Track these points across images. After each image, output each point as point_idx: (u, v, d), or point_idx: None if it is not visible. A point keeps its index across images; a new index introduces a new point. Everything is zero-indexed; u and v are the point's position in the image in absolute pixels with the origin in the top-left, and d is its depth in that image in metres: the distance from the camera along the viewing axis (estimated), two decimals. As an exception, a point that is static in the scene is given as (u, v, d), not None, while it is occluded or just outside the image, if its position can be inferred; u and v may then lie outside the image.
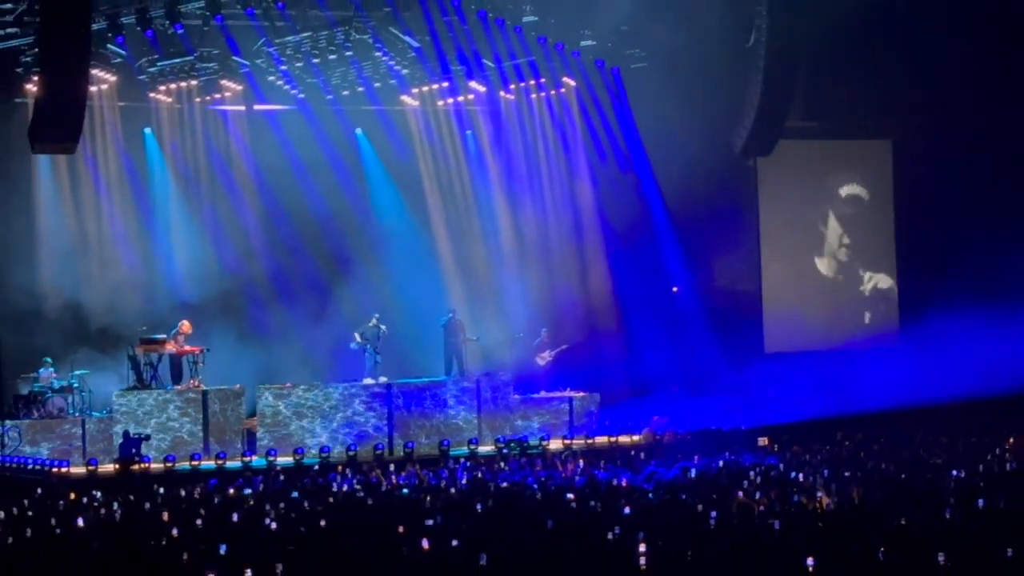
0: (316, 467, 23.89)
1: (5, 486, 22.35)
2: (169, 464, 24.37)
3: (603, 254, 31.72)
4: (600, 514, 16.48)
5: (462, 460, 24.31)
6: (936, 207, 31.57)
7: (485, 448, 26.19)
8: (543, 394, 28.56)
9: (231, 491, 20.51)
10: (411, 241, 31.01)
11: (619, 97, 30.67)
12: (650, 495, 18.24)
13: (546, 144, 31.90)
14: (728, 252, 32.08)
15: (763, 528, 14.86)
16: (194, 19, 27.07)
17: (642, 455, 24.42)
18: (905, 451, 23.29)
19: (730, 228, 31.91)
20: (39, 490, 21.64)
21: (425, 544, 14.17)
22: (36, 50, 25.70)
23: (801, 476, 19.68)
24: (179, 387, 26.30)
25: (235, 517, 16.99)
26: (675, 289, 31.82)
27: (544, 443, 26.21)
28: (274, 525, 16.37)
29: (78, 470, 24.27)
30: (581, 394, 28.32)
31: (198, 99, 29.42)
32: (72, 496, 20.64)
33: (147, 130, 29.94)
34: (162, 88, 28.60)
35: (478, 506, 17.34)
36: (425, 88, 30.52)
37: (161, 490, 21.09)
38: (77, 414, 26.16)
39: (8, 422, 25.44)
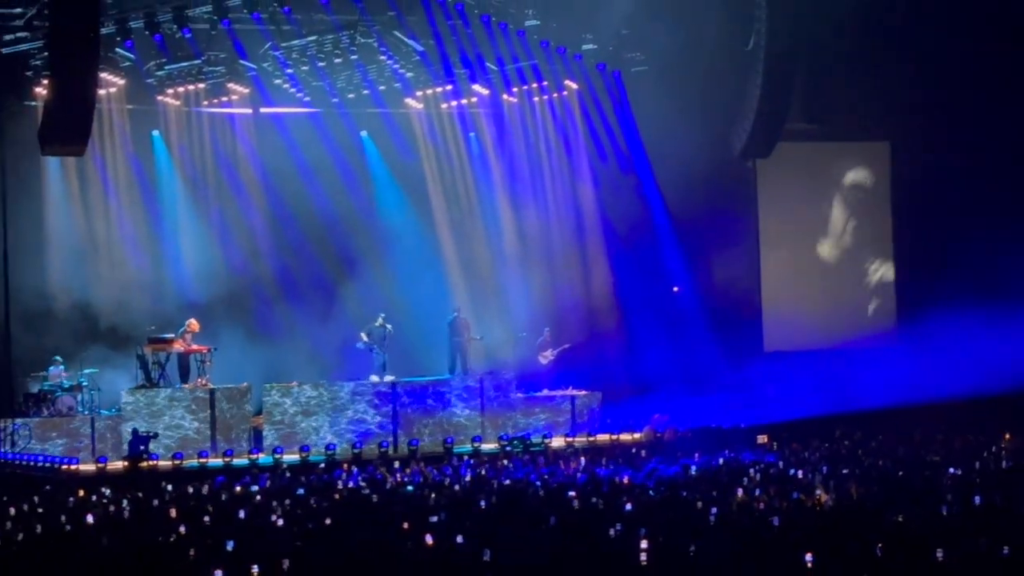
0: (322, 464, 23.88)
1: (15, 483, 22.34)
2: (177, 462, 24.37)
3: (604, 254, 31.71)
4: (602, 511, 16.48)
5: (466, 457, 24.32)
6: (934, 208, 31.55)
7: (488, 446, 26.18)
8: (545, 392, 28.54)
9: (238, 488, 20.51)
10: (415, 241, 31.01)
11: (620, 100, 30.66)
12: (651, 492, 18.23)
13: (548, 146, 31.90)
14: (728, 252, 32.05)
15: (762, 525, 14.85)
16: (201, 23, 27.07)
17: (643, 453, 24.41)
18: (903, 449, 23.27)
19: (730, 229, 31.89)
20: (48, 487, 21.65)
21: (429, 540, 14.18)
22: (46, 54, 25.72)
23: (800, 473, 19.67)
24: (187, 386, 26.31)
25: (242, 514, 16.99)
26: (675, 289, 31.80)
27: (546, 441, 26.19)
28: (280, 522, 16.37)
29: (87, 467, 24.26)
30: (583, 392, 28.30)
31: (205, 102, 29.42)
32: (81, 493, 20.63)
33: (155, 133, 29.94)
34: (170, 91, 28.61)
35: (481, 503, 17.35)
36: (429, 91, 30.52)
37: (169, 487, 21.10)
38: (86, 412, 26.15)
39: (18, 420, 25.44)
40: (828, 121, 32.13)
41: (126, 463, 24.35)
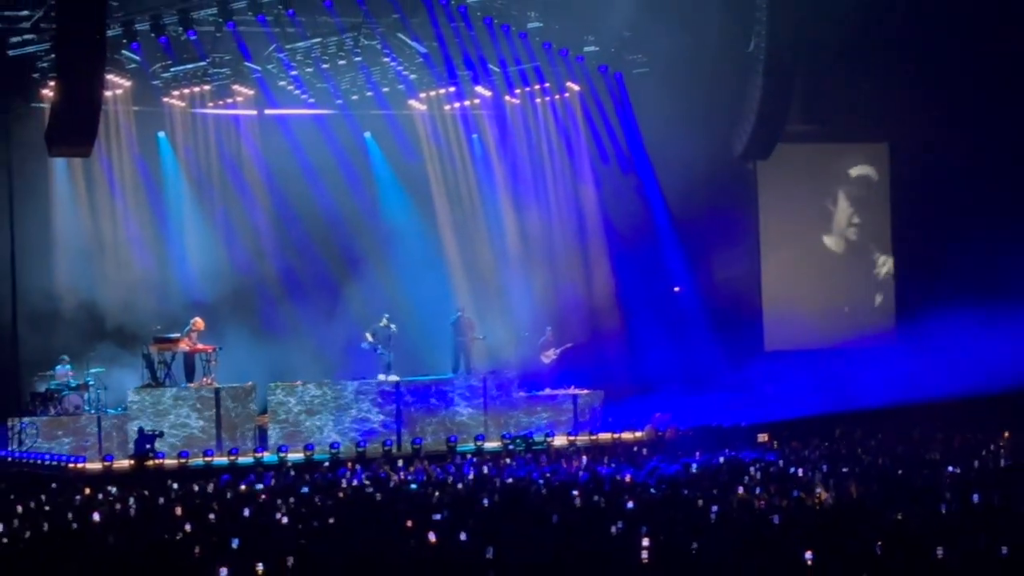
0: (326, 463, 23.88)
1: (23, 481, 22.34)
2: (183, 460, 24.38)
3: (606, 255, 31.71)
4: (604, 509, 16.47)
5: (469, 456, 24.33)
6: (933, 208, 31.54)
7: (491, 444, 26.17)
8: (548, 391, 28.52)
9: (243, 487, 20.51)
10: (418, 242, 31.01)
11: (622, 101, 30.66)
12: (652, 490, 18.22)
13: (550, 147, 31.90)
14: (728, 253, 32.04)
15: (763, 523, 14.84)
16: (207, 25, 27.08)
17: (644, 451, 24.39)
18: (902, 447, 23.25)
19: (731, 229, 31.89)
20: (55, 485, 21.65)
21: (432, 538, 14.17)
22: (52, 56, 25.74)
23: (800, 472, 19.66)
24: (192, 385, 26.31)
25: (247, 512, 16.99)
26: (677, 289, 31.80)
27: (549, 439, 26.18)
28: (285, 520, 16.37)
29: (94, 466, 24.28)
30: (585, 391, 28.28)
31: (211, 104, 29.44)
32: (88, 491, 20.64)
33: (161, 134, 29.95)
34: (175, 93, 28.61)
35: (484, 501, 17.33)
36: (432, 93, 30.53)
37: (175, 485, 21.10)
38: (93, 411, 26.16)
39: (26, 419, 25.45)
40: (828, 122, 32.16)
41: (132, 462, 24.36)
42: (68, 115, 23.63)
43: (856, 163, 32.76)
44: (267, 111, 30.01)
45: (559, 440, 26.52)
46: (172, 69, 27.65)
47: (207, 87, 28.68)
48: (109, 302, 28.46)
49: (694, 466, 21.05)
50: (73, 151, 25.57)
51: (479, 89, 30.18)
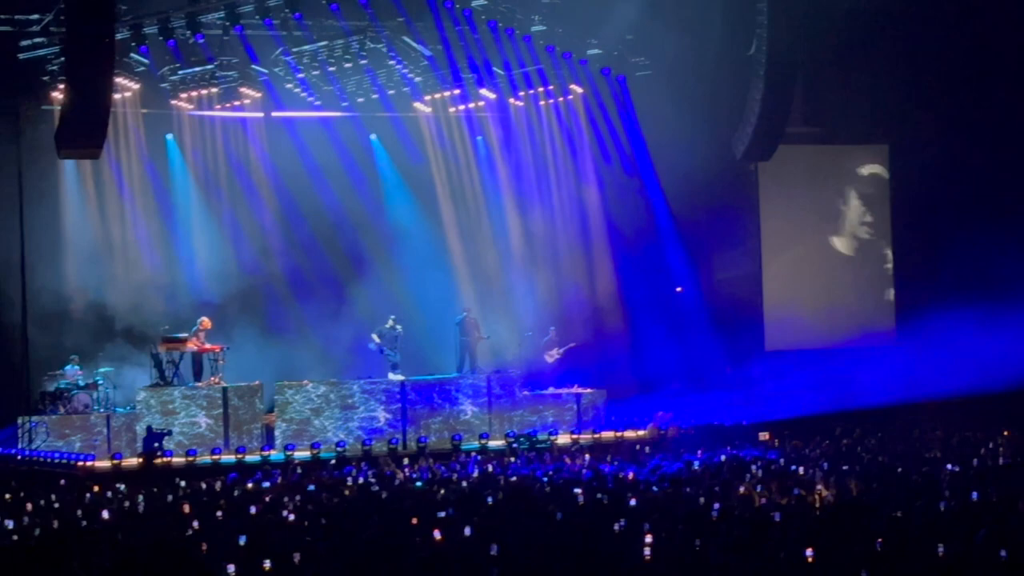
0: (332, 461, 23.87)
1: (33, 479, 22.36)
2: (190, 458, 24.38)
3: (609, 255, 31.70)
4: (607, 506, 16.47)
5: (473, 454, 24.32)
6: (932, 209, 31.52)
7: (495, 442, 26.17)
8: (551, 390, 28.52)
9: (250, 484, 20.51)
10: (424, 242, 31.02)
11: (624, 104, 30.63)
12: (654, 488, 18.21)
13: (554, 149, 31.89)
14: (730, 254, 32.03)
15: (764, 520, 14.84)
16: (214, 29, 27.08)
17: (647, 449, 24.39)
18: (901, 446, 23.24)
19: (732, 230, 31.88)
20: (64, 483, 21.67)
21: (437, 535, 14.17)
22: (62, 59, 25.74)
23: (801, 470, 19.65)
24: (200, 384, 26.33)
25: (254, 509, 16.99)
26: (679, 289, 31.77)
27: (552, 438, 26.17)
28: (292, 517, 16.37)
29: (103, 464, 24.29)
30: (588, 390, 28.27)
31: (218, 106, 29.41)
32: (97, 489, 20.65)
33: (169, 136, 29.97)
34: (183, 96, 28.61)
35: (489, 498, 17.33)
36: (437, 95, 30.53)
37: (183, 483, 21.11)
38: (102, 410, 26.18)
39: (36, 417, 25.47)
40: (828, 124, 32.13)
41: (141, 460, 24.37)
42: (77, 117, 23.64)
43: (865, 162, 32.72)
44: (274, 113, 30.02)
45: (563, 438, 26.52)
46: (180, 72, 27.65)
47: (215, 90, 28.66)
48: (118, 302, 28.47)
49: (696, 464, 21.05)
50: (82, 153, 25.56)
51: (483, 92, 30.17)
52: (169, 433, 25.06)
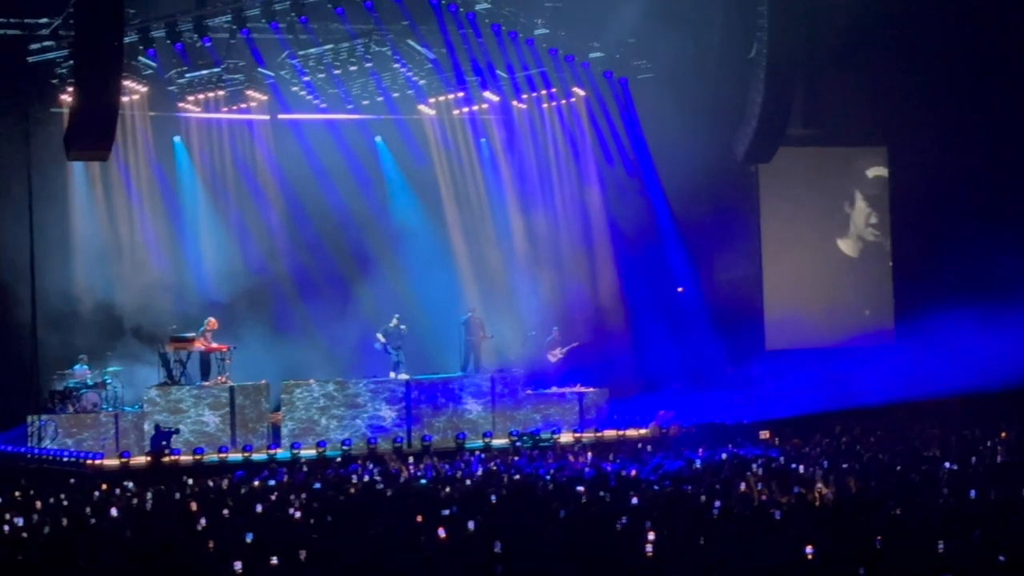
0: (338, 459, 23.88)
1: (42, 477, 22.38)
2: (198, 456, 24.38)
3: (611, 256, 31.69)
4: (609, 504, 16.46)
5: (477, 452, 24.31)
6: (931, 209, 31.51)
7: (499, 441, 26.15)
8: (554, 390, 28.52)
9: (257, 482, 20.51)
10: (428, 243, 31.02)
11: (626, 106, 30.61)
12: (656, 486, 18.20)
13: (557, 151, 31.88)
14: (730, 254, 32.02)
15: (764, 517, 14.83)
16: (221, 32, 27.08)
17: (649, 448, 24.37)
18: (900, 444, 23.21)
19: (733, 231, 31.87)
20: (73, 481, 21.68)
21: (442, 532, 14.17)
22: (71, 62, 25.76)
23: (801, 468, 19.63)
24: (207, 383, 26.33)
25: (260, 507, 16.99)
26: (680, 289, 31.76)
27: (555, 436, 26.16)
28: (298, 515, 16.37)
29: (111, 462, 24.29)
30: (591, 389, 28.27)
31: (225, 109, 29.41)
32: (105, 487, 20.65)
33: (176, 138, 29.98)
34: (191, 98, 28.59)
35: (492, 496, 17.32)
36: (441, 98, 30.52)
37: (190, 481, 21.11)
38: (110, 409, 26.19)
39: (45, 416, 25.49)
40: (828, 126, 32.12)
41: (148, 458, 24.37)
42: (86, 120, 23.66)
43: (868, 163, 32.69)
44: (280, 116, 30.03)
45: (565, 437, 26.50)
46: (187, 75, 27.65)
47: (222, 93, 28.64)
48: (126, 303, 28.49)
49: (697, 462, 21.03)
50: (91, 155, 25.60)
51: (487, 94, 30.17)
52: (177, 432, 25.06)
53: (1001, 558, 12.31)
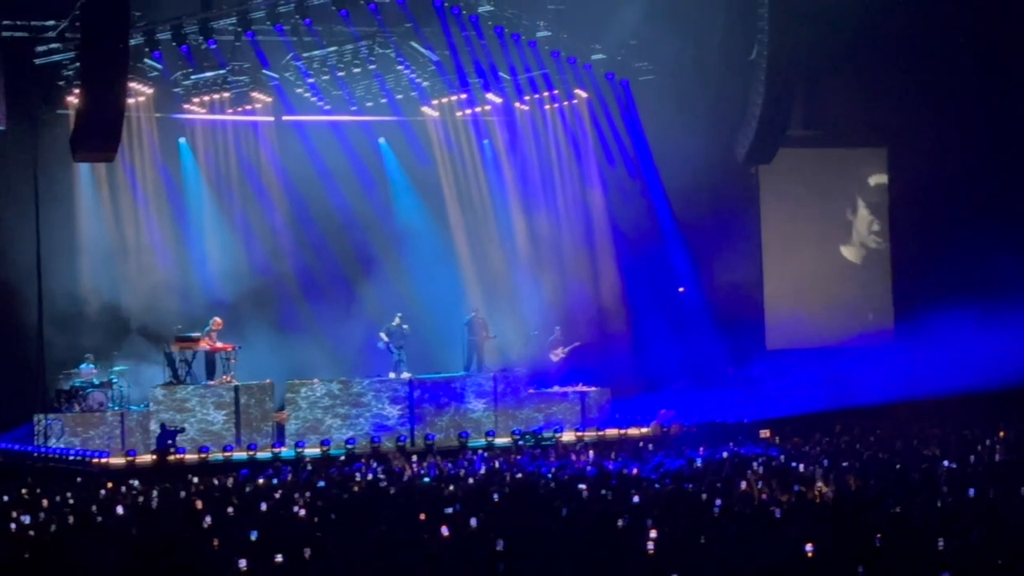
0: (342, 458, 23.89)
1: (49, 475, 22.39)
2: (203, 455, 24.39)
3: (613, 256, 31.69)
4: (611, 502, 16.46)
5: (480, 451, 24.30)
6: (930, 209, 31.50)
7: (501, 440, 26.16)
8: (556, 389, 28.53)
9: (261, 481, 20.52)
10: (431, 243, 31.02)
11: (628, 108, 30.61)
12: (657, 485, 18.20)
13: (559, 152, 31.88)
14: (731, 254, 31.99)
15: (765, 516, 14.82)
16: (226, 35, 27.09)
17: (650, 446, 24.37)
18: (900, 443, 23.20)
19: (733, 232, 31.86)
20: (79, 479, 21.69)
21: (445, 530, 14.17)
22: (77, 64, 25.76)
23: (801, 466, 19.62)
24: (212, 382, 26.35)
25: (265, 505, 16.99)
26: (681, 289, 31.75)
27: (557, 435, 26.16)
28: (302, 513, 16.37)
29: (117, 460, 24.30)
30: (592, 389, 28.28)
31: (230, 110, 29.42)
32: (111, 485, 20.66)
33: (182, 140, 29.99)
34: (196, 100, 28.58)
35: (495, 495, 17.32)
36: (444, 100, 30.53)
37: (195, 479, 21.11)
38: (116, 408, 26.21)
39: (51, 415, 25.50)
40: (828, 127, 32.11)
41: (154, 457, 24.39)
42: (92, 122, 23.68)
43: (869, 165, 32.67)
44: (285, 118, 30.03)
45: (567, 436, 26.50)
46: (193, 77, 27.65)
47: (227, 94, 28.65)
48: (132, 303, 28.52)
49: (698, 461, 21.02)
50: (97, 156, 25.62)
51: (490, 96, 30.17)
52: (182, 430, 25.08)
53: (999, 562, 12.32)
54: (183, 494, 19.24)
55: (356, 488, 19.07)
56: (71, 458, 24.15)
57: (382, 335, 27.83)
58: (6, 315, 27.39)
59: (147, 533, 15.08)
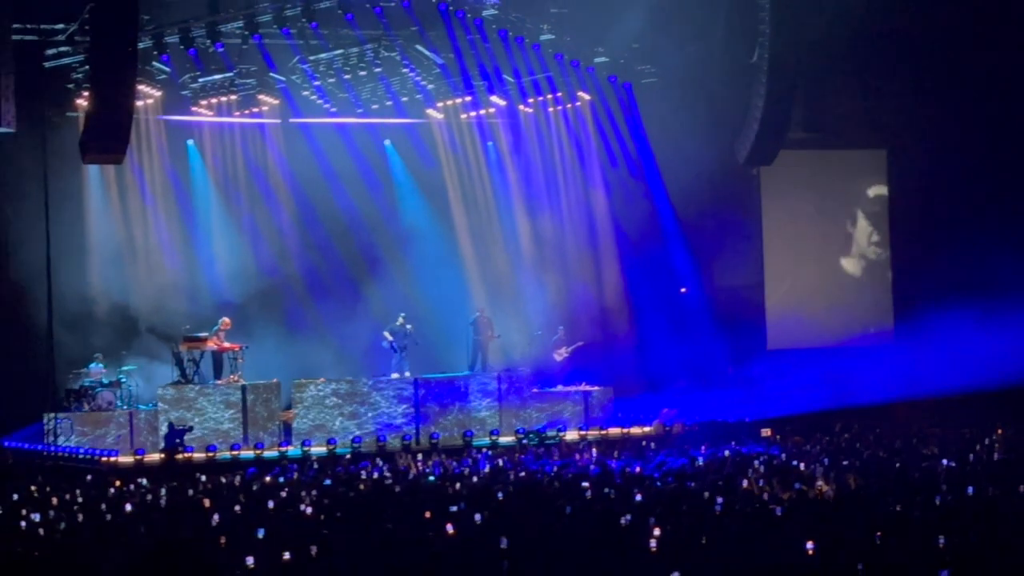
0: (348, 456, 23.91)
1: (58, 474, 22.42)
2: (210, 454, 24.42)
3: (616, 257, 31.69)
4: (613, 500, 16.47)
5: (484, 450, 24.32)
6: (929, 210, 31.48)
7: (506, 439, 26.18)
8: (560, 388, 28.53)
9: (268, 479, 20.55)
10: (436, 244, 31.03)
11: (631, 110, 30.61)
12: (659, 483, 18.21)
13: (562, 154, 31.89)
14: (733, 255, 32.00)
15: (766, 514, 14.83)
16: (233, 38, 27.12)
17: (653, 445, 24.38)
18: (899, 442, 23.20)
19: (735, 233, 31.86)
20: (89, 478, 21.72)
21: (450, 528, 14.19)
22: (87, 67, 25.80)
23: (802, 465, 19.64)
24: (220, 382, 26.36)
25: (272, 503, 17.02)
26: (683, 290, 31.75)
27: (561, 434, 26.17)
28: (309, 511, 16.40)
29: (126, 459, 24.34)
30: (596, 388, 28.28)
31: (237, 113, 29.44)
32: (120, 483, 20.69)
33: (189, 142, 30.02)
34: (203, 103, 28.60)
35: (499, 493, 17.34)
36: (449, 102, 30.54)
37: (203, 478, 21.14)
38: (125, 407, 26.23)
39: (61, 414, 25.52)
40: (829, 129, 32.08)
41: (162, 455, 24.42)
42: (101, 124, 23.69)
43: (872, 174, 32.64)
44: (291, 120, 30.04)
45: (571, 435, 26.52)
46: (200, 80, 27.67)
47: (234, 97, 28.68)
48: (141, 303, 28.55)
49: (700, 460, 21.04)
50: (106, 158, 25.64)
51: (494, 99, 30.17)
52: (190, 429, 25.11)
53: (997, 548, 12.35)
54: (191, 492, 19.27)
55: (362, 486, 19.10)
56: (80, 457, 24.19)
57: (386, 334, 27.86)
58: (16, 315, 27.39)
59: (156, 531, 15.11)
